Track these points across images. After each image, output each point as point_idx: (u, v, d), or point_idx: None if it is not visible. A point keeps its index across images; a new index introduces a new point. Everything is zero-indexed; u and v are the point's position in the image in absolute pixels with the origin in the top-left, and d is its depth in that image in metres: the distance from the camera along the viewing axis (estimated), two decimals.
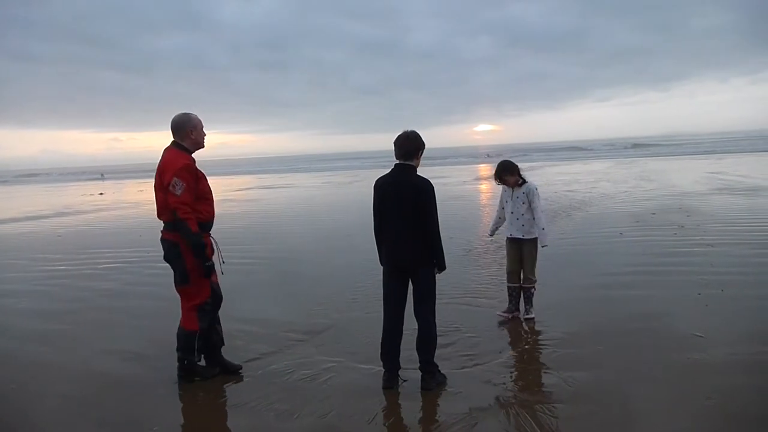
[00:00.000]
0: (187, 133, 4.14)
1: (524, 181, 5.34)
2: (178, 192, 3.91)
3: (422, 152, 4.05)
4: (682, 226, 9.77)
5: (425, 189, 3.88)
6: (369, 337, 4.72)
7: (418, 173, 3.99)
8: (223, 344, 4.48)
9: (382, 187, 4.01)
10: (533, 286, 5.40)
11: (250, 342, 5.15)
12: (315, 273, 7.80)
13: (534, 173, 28.63)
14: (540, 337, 4.91)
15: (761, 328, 4.91)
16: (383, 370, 4.08)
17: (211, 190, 4.29)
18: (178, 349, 4.26)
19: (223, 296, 4.45)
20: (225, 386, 4.25)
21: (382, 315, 4.09)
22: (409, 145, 3.97)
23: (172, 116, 4.18)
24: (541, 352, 4.58)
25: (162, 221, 4.19)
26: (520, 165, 5.40)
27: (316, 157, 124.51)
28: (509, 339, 4.97)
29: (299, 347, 4.97)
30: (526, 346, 4.75)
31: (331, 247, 9.91)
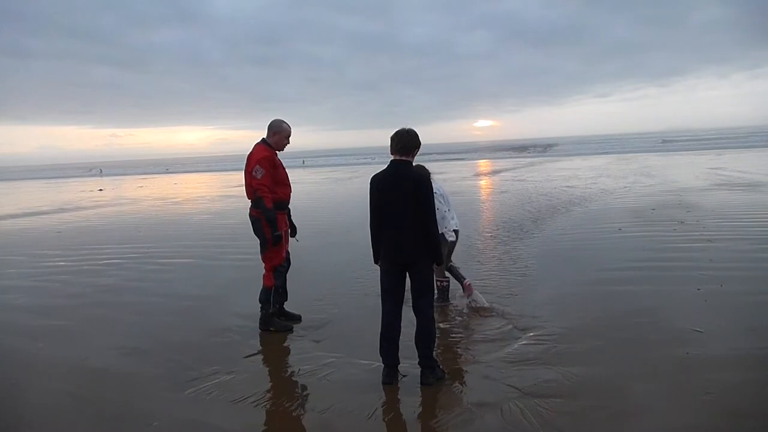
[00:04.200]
0: (271, 134, 5.12)
1: None
2: (259, 176, 4.92)
3: (417, 151, 4.06)
4: (682, 222, 9.77)
5: (423, 181, 3.91)
6: (368, 332, 4.71)
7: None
8: (287, 299, 5.47)
9: (380, 182, 4.00)
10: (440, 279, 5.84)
11: (248, 337, 5.17)
12: (314, 268, 7.79)
13: (534, 169, 28.63)
14: (539, 333, 4.91)
15: (760, 323, 4.91)
16: (382, 365, 4.08)
17: (287, 176, 5.28)
18: (260, 301, 5.23)
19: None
20: (224, 381, 4.26)
21: (381, 310, 4.10)
22: (409, 141, 3.98)
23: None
24: (539, 348, 4.58)
25: (250, 200, 5.09)
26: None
27: (314, 152, 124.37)
28: (508, 334, 4.96)
29: (298, 342, 4.98)
30: (525, 342, 4.74)
31: (330, 242, 9.90)
